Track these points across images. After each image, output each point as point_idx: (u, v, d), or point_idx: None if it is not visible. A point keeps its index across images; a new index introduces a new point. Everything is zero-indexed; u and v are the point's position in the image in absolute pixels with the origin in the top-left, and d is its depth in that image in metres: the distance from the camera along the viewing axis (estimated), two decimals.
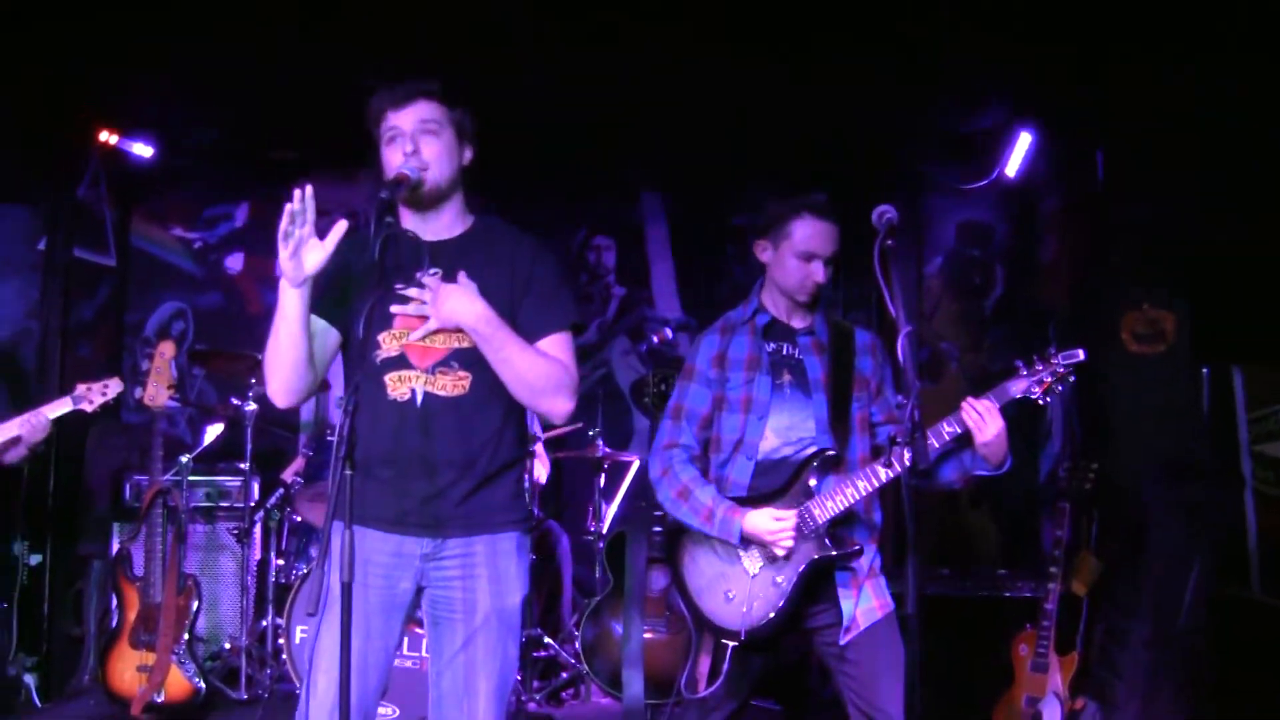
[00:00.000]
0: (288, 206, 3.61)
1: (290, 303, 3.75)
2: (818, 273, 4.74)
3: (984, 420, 4.42)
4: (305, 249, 3.67)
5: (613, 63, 7.39)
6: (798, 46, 7.10)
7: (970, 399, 4.46)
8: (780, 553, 4.56)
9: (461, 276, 3.91)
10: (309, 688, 3.78)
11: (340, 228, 3.67)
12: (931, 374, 9.08)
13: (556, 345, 4.03)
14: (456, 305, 3.84)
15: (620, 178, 9.60)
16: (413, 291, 3.90)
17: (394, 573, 3.96)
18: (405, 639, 6.33)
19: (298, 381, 3.90)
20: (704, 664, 4.84)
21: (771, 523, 4.55)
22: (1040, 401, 4.55)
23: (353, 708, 3.50)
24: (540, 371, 3.92)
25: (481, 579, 3.97)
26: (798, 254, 4.74)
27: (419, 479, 3.93)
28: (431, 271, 3.94)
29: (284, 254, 3.65)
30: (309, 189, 3.63)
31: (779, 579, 4.58)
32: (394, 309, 3.93)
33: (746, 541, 4.61)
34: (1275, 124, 6.65)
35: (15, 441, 5.98)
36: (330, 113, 7.21)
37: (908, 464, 3.89)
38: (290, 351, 3.82)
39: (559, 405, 3.99)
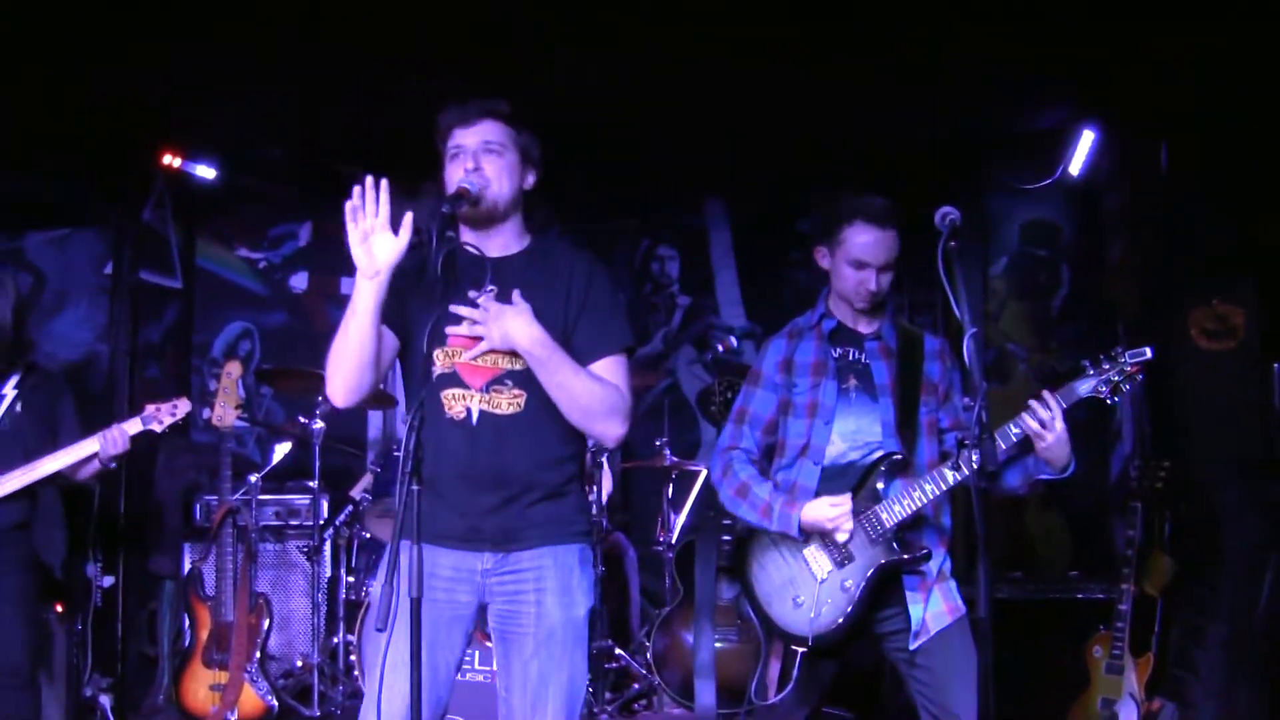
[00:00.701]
0: (348, 203, 3.64)
1: (364, 295, 3.76)
2: (870, 281, 4.69)
3: (1043, 429, 4.37)
4: (375, 240, 3.69)
5: (673, 69, 7.37)
6: (858, 48, 7.06)
7: (1034, 401, 4.42)
8: (841, 538, 4.55)
9: (516, 296, 3.91)
10: (378, 705, 3.73)
11: (410, 218, 3.68)
12: (1000, 375, 9.02)
13: (610, 368, 4.03)
14: (512, 328, 3.85)
15: (683, 185, 9.58)
16: (465, 311, 3.90)
17: (455, 587, 3.97)
18: (476, 653, 6.38)
19: (361, 381, 3.89)
20: (773, 670, 4.81)
21: (829, 509, 4.54)
22: (1108, 401, 4.50)
23: None
24: (595, 396, 3.93)
25: (546, 592, 3.97)
26: (851, 262, 4.71)
27: (480, 495, 3.93)
28: (488, 289, 3.94)
29: (354, 245, 3.67)
30: (384, 182, 3.66)
31: (847, 584, 4.55)
32: (448, 328, 3.93)
33: (806, 535, 4.60)
34: None
35: (91, 458, 6.02)
36: (392, 129, 7.25)
37: (975, 466, 3.86)
38: (358, 350, 3.82)
39: (612, 429, 4.00)
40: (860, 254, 4.69)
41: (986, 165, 8.82)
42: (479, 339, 3.91)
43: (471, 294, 3.93)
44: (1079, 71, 7.30)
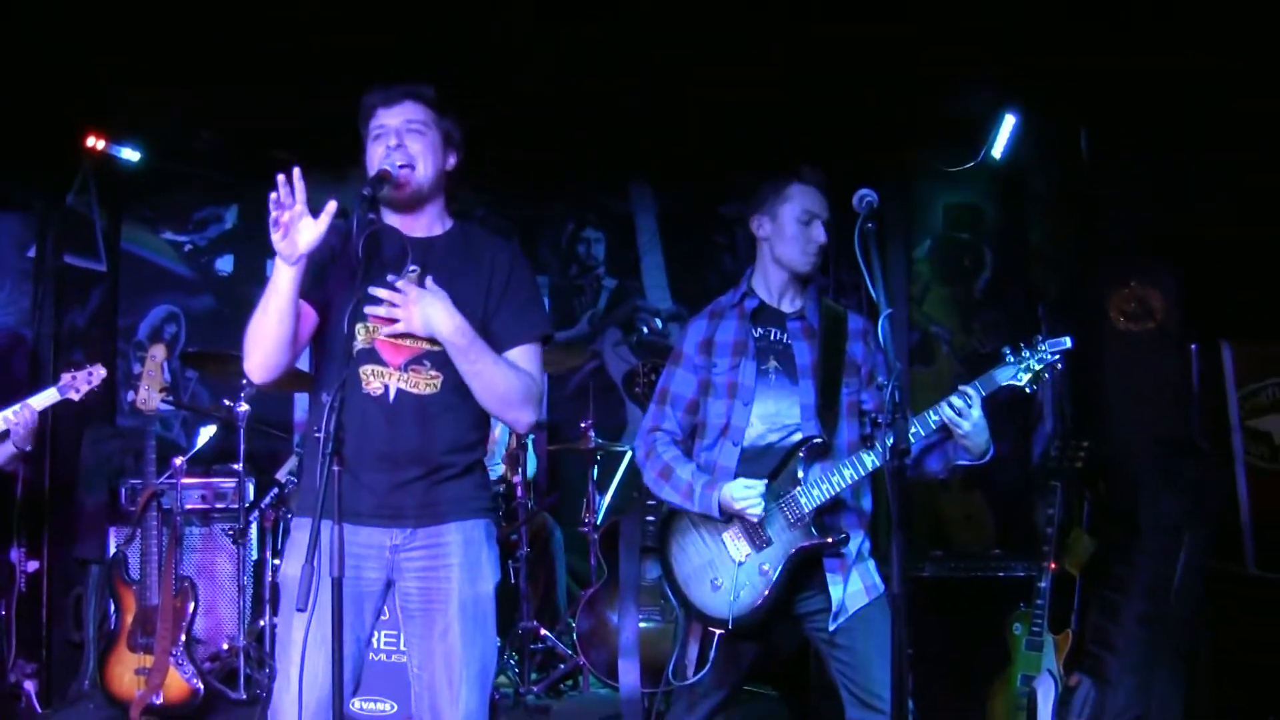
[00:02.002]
0: (272, 194, 3.63)
1: (283, 279, 3.75)
2: (819, 234, 4.78)
3: (960, 417, 4.43)
4: (297, 227, 3.68)
5: (598, 54, 7.38)
6: (781, 35, 7.09)
7: (950, 397, 4.48)
8: (751, 518, 4.59)
9: (429, 283, 3.95)
10: (299, 684, 3.73)
11: (332, 206, 3.69)
12: (923, 357, 9.08)
13: (525, 356, 4.12)
14: (433, 316, 3.89)
15: (609, 170, 9.60)
16: (383, 293, 3.92)
17: (362, 564, 3.99)
18: (400, 635, 6.37)
19: (278, 358, 3.88)
20: (692, 651, 4.85)
21: (741, 490, 4.58)
22: (1027, 390, 4.56)
23: (326, 701, 3.55)
24: (510, 384, 4.01)
25: (453, 567, 4.02)
26: (798, 218, 4.79)
27: (393, 472, 3.97)
28: (410, 269, 3.97)
29: (276, 235, 3.67)
30: (296, 170, 3.66)
31: (765, 567, 4.59)
32: (367, 308, 3.94)
33: (728, 517, 4.65)
34: (1260, 96, 6.67)
35: (3, 437, 5.97)
36: (320, 113, 7.22)
37: (889, 444, 3.90)
38: (277, 328, 3.82)
39: (524, 416, 4.10)
40: (810, 204, 4.80)
41: (910, 149, 8.86)
42: (397, 320, 3.93)
43: (390, 277, 3.95)
44: (1001, 56, 7.35)
